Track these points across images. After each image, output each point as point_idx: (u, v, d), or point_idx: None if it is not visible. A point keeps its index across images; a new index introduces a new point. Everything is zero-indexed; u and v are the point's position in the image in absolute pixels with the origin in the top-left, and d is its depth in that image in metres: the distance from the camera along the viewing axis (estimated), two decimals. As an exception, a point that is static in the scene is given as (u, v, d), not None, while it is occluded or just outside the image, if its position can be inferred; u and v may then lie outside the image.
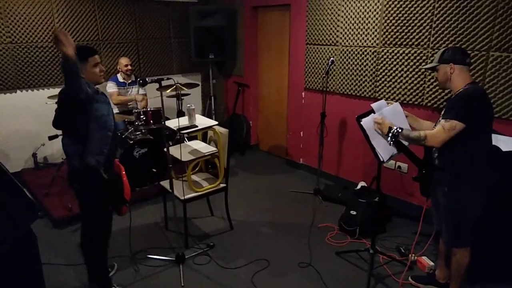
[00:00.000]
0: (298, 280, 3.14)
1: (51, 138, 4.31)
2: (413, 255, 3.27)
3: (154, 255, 3.41)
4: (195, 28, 5.62)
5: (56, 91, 4.98)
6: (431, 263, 3.16)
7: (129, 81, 5.05)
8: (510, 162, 2.77)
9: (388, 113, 2.79)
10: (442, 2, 3.53)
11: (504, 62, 3.23)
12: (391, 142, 2.62)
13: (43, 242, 2.77)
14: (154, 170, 4.48)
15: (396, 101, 3.69)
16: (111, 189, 2.73)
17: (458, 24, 3.45)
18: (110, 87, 4.91)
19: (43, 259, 2.74)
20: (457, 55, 2.48)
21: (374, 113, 2.80)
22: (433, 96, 3.75)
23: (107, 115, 2.67)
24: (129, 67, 4.99)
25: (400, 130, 2.57)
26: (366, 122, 2.74)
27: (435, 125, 2.59)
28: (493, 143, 2.61)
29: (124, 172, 2.84)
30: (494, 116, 3.21)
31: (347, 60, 4.45)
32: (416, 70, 3.83)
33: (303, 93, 5.15)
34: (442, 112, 2.52)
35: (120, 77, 5.02)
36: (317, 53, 4.80)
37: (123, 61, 5.01)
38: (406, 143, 2.73)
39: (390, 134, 2.60)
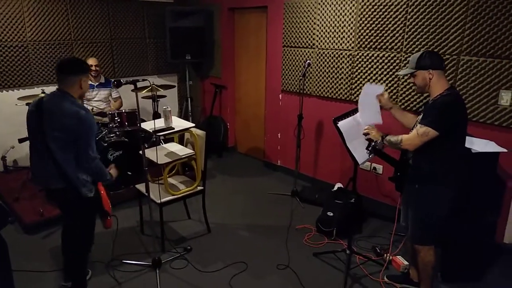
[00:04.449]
0: (277, 282, 3.14)
1: (21, 140, 4.18)
2: (388, 254, 3.34)
3: (130, 260, 3.35)
4: (171, 29, 5.56)
5: (26, 92, 4.85)
6: (406, 263, 3.22)
7: (97, 83, 4.83)
8: (478, 163, 2.86)
9: (363, 107, 2.87)
10: (414, 7, 3.62)
11: (474, 66, 3.34)
12: (370, 155, 2.67)
13: (13, 248, 2.68)
14: (129, 173, 4.41)
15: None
16: (97, 202, 2.75)
17: (430, 29, 3.55)
18: None
19: (14, 265, 2.66)
20: (435, 60, 2.49)
21: (351, 115, 2.84)
22: (406, 98, 3.83)
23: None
24: (96, 68, 4.78)
25: (381, 144, 2.63)
26: (343, 124, 2.77)
27: (414, 126, 2.65)
28: (466, 145, 2.68)
29: (102, 186, 2.81)
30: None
31: (323, 62, 4.50)
32: (390, 73, 3.91)
33: (280, 95, 5.17)
34: (420, 116, 2.59)
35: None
36: (294, 55, 4.83)
37: (90, 61, 4.74)
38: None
39: (370, 148, 2.64)
